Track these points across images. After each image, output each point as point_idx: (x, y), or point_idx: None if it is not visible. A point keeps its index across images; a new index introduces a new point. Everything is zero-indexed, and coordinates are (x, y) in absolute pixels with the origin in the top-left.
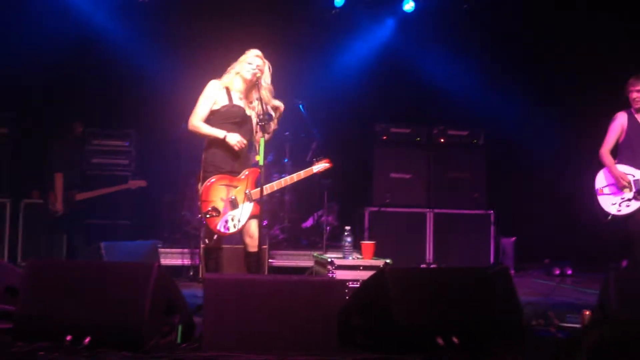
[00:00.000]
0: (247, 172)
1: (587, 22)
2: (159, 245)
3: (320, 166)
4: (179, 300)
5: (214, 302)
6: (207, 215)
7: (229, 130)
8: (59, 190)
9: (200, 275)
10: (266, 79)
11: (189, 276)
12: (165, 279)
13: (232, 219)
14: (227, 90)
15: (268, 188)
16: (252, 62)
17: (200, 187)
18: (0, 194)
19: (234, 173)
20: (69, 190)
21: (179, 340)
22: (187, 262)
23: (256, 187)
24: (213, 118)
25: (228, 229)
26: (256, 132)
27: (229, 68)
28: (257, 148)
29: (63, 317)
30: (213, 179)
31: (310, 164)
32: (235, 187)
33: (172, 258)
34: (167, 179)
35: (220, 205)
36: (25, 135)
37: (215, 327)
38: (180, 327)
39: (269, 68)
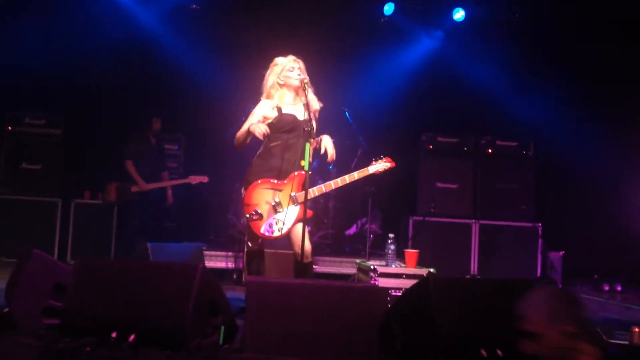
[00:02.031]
0: (292, 176)
1: None
2: (204, 248)
3: (380, 166)
4: (222, 302)
5: (256, 305)
6: (250, 219)
7: (281, 137)
8: (134, 176)
9: (244, 279)
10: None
11: (233, 279)
12: (210, 281)
13: (277, 223)
14: (279, 108)
15: (316, 190)
16: (294, 67)
17: (244, 192)
18: (52, 194)
19: (279, 177)
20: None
21: (221, 341)
22: (231, 265)
23: (302, 190)
24: (270, 129)
25: (272, 232)
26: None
27: (267, 81)
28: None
29: (109, 314)
30: (257, 183)
31: (366, 157)
32: (280, 190)
33: (216, 261)
34: (214, 182)
35: (263, 209)
36: (77, 136)
37: (257, 330)
38: (222, 329)
39: (304, 66)
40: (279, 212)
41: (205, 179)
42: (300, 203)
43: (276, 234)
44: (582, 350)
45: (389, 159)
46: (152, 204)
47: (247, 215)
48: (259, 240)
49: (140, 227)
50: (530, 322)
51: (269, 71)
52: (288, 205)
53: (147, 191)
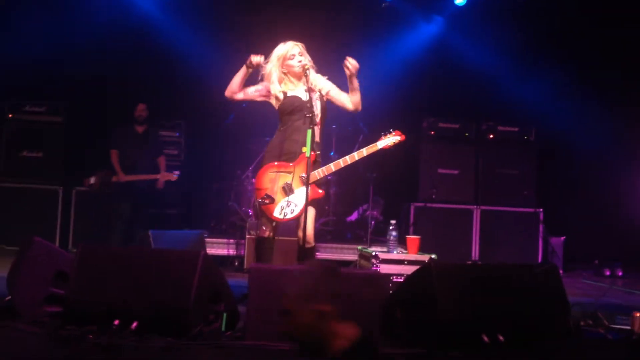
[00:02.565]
0: (301, 157)
1: None
2: (206, 235)
3: (389, 140)
4: (224, 289)
5: (258, 292)
6: (262, 203)
7: (288, 120)
8: (115, 166)
9: (246, 266)
10: (308, 60)
11: (235, 266)
12: (211, 268)
13: (288, 205)
14: (284, 93)
15: (325, 170)
16: (294, 55)
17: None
18: (53, 181)
19: (289, 160)
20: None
21: (223, 328)
22: (232, 252)
23: (313, 170)
24: (279, 114)
25: (285, 214)
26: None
27: (270, 72)
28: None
29: (111, 301)
30: (267, 166)
31: (368, 142)
32: (289, 172)
33: (218, 248)
34: (215, 169)
35: (274, 193)
36: (78, 124)
37: (259, 316)
38: (225, 316)
39: (304, 47)
40: (290, 194)
41: (173, 177)
42: (311, 183)
43: (289, 216)
44: (336, 331)
45: (398, 132)
46: (140, 194)
47: (259, 200)
48: (273, 224)
49: (133, 216)
50: (286, 299)
51: (270, 62)
52: (299, 187)
53: (132, 181)
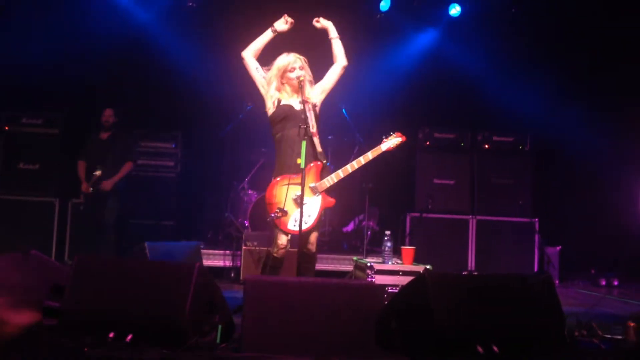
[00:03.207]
0: (308, 167)
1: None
2: (202, 246)
3: (392, 142)
4: (219, 300)
5: (253, 303)
6: (276, 217)
7: (281, 128)
8: (80, 177)
9: (242, 277)
10: (308, 74)
11: (231, 278)
12: (207, 279)
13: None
14: (279, 100)
15: (334, 177)
16: (294, 68)
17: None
18: (49, 193)
19: (296, 171)
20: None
21: (218, 339)
22: (228, 263)
23: (321, 179)
24: (271, 122)
25: (300, 226)
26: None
27: (269, 72)
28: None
29: (106, 314)
30: (276, 180)
31: (378, 142)
32: (297, 184)
33: (214, 259)
34: (211, 181)
35: (286, 205)
36: (74, 135)
37: (254, 328)
38: (220, 327)
39: (306, 61)
40: (302, 205)
41: (107, 187)
42: (321, 192)
43: (304, 226)
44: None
45: (399, 134)
46: (107, 198)
47: (272, 215)
48: (289, 237)
49: (112, 224)
50: None
51: (271, 70)
52: (310, 197)
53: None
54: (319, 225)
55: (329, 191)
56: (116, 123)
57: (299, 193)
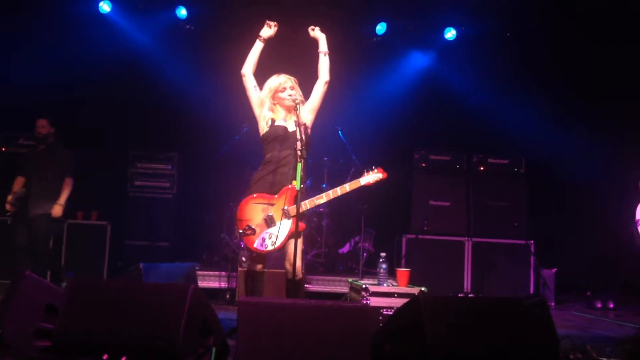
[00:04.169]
0: (284, 189)
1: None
2: (197, 268)
3: (371, 177)
4: (213, 322)
5: (247, 325)
6: (244, 234)
7: (273, 148)
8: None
9: (237, 298)
10: (299, 94)
11: (226, 299)
12: (201, 301)
13: (270, 237)
14: (273, 120)
15: (308, 203)
16: (285, 88)
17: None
18: None
19: (272, 192)
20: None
21: None
22: (224, 284)
23: (294, 204)
24: (263, 142)
25: (265, 246)
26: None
27: (262, 93)
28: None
29: (100, 335)
30: (250, 197)
31: (359, 175)
32: (272, 204)
33: (209, 280)
34: (207, 201)
35: (256, 224)
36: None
37: (248, 350)
38: (214, 349)
39: (296, 81)
40: (272, 226)
41: (58, 213)
42: (292, 217)
43: (269, 247)
44: None
45: (380, 170)
46: (33, 222)
47: (240, 231)
48: (253, 255)
49: (30, 248)
50: None
51: (262, 91)
52: (281, 220)
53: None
54: (300, 248)
55: (302, 216)
56: (52, 134)
57: (271, 214)
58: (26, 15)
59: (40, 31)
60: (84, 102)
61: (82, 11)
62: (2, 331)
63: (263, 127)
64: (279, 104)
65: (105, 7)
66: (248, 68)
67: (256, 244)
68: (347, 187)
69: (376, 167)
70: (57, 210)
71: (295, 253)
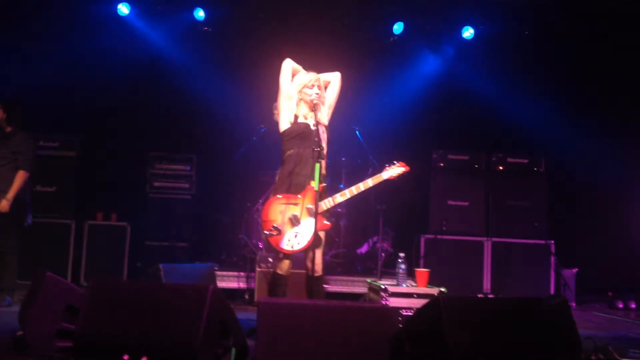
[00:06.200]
0: (308, 188)
1: None
2: (216, 268)
3: (394, 171)
4: (233, 322)
5: (267, 326)
6: (270, 235)
7: (295, 145)
8: None
9: (256, 299)
10: (323, 96)
11: (245, 299)
12: (220, 302)
13: (296, 236)
14: (296, 116)
15: (332, 200)
16: (314, 85)
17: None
18: (65, 215)
19: (296, 191)
20: None
21: None
22: (243, 285)
23: (320, 201)
24: (284, 137)
25: (292, 246)
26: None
27: (292, 86)
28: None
29: (121, 336)
30: (274, 198)
31: (379, 170)
32: (295, 204)
33: (228, 281)
34: (226, 202)
35: (281, 224)
36: (91, 158)
37: (267, 350)
38: (233, 350)
39: (323, 83)
40: (297, 225)
41: (4, 209)
42: (319, 214)
43: (296, 247)
44: None
45: (402, 164)
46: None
47: (266, 232)
48: (280, 255)
49: (10, 252)
50: None
51: (292, 85)
52: (306, 219)
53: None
54: (322, 246)
55: (326, 214)
56: (5, 120)
57: (296, 213)
58: (46, 16)
59: (60, 33)
60: (102, 103)
61: (101, 13)
62: (24, 332)
63: (284, 122)
64: (304, 99)
65: (123, 10)
66: (290, 63)
67: (282, 244)
68: (370, 182)
69: (398, 162)
70: (3, 205)
71: (314, 251)
